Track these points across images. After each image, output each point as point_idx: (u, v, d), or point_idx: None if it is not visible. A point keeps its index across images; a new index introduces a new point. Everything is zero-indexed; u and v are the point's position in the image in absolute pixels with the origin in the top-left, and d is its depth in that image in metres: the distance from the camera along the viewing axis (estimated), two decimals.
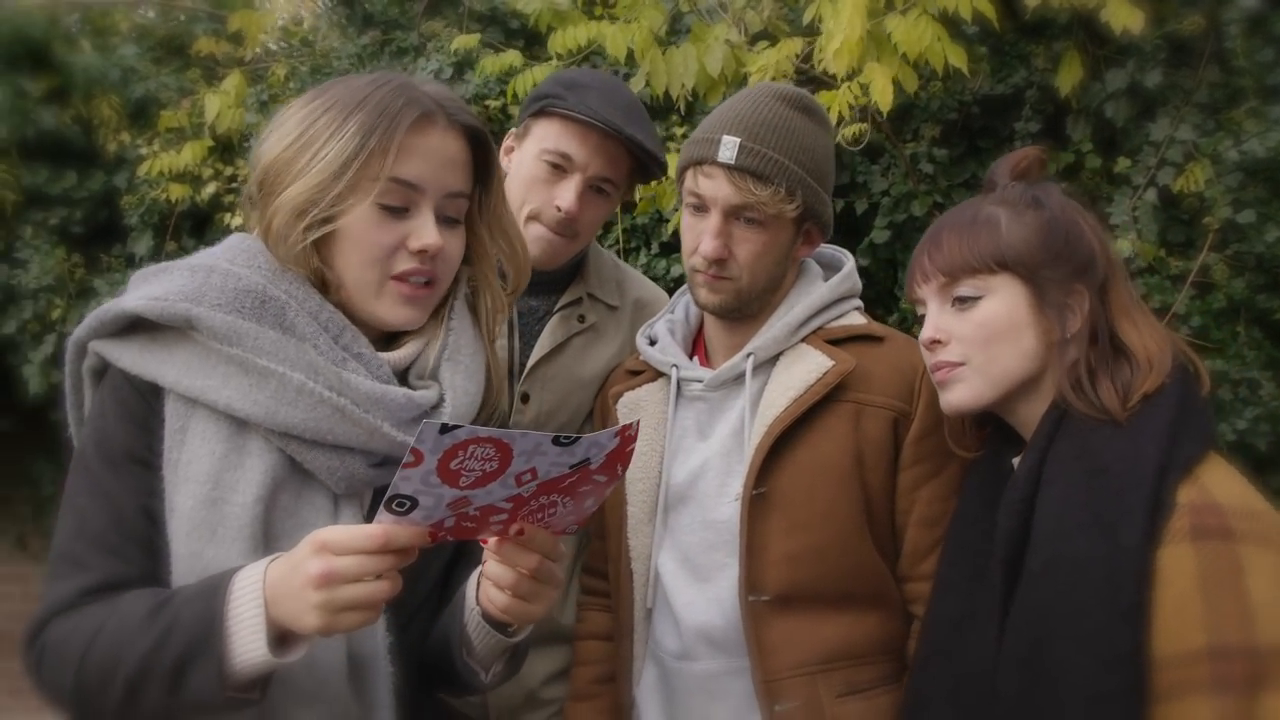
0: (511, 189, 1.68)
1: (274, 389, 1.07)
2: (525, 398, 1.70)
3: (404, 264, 1.14)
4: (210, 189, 3.74)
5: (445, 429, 0.86)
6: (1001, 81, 3.06)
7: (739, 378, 1.46)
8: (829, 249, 1.61)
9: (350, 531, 0.95)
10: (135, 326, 1.09)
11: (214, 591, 0.99)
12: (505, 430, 0.90)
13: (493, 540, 1.03)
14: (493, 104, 3.31)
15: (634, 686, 1.55)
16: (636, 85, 2.81)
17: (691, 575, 1.47)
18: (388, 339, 1.21)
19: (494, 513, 0.96)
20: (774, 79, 2.57)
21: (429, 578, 1.22)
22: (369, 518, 1.10)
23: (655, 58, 2.72)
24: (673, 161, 1.72)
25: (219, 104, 3.56)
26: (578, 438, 0.93)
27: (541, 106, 1.63)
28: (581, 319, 1.74)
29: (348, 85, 1.15)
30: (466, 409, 1.20)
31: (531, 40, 3.71)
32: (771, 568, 1.40)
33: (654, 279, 2.63)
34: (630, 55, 2.83)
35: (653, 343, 1.59)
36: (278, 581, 0.97)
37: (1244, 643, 1.00)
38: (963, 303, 1.21)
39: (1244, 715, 0.99)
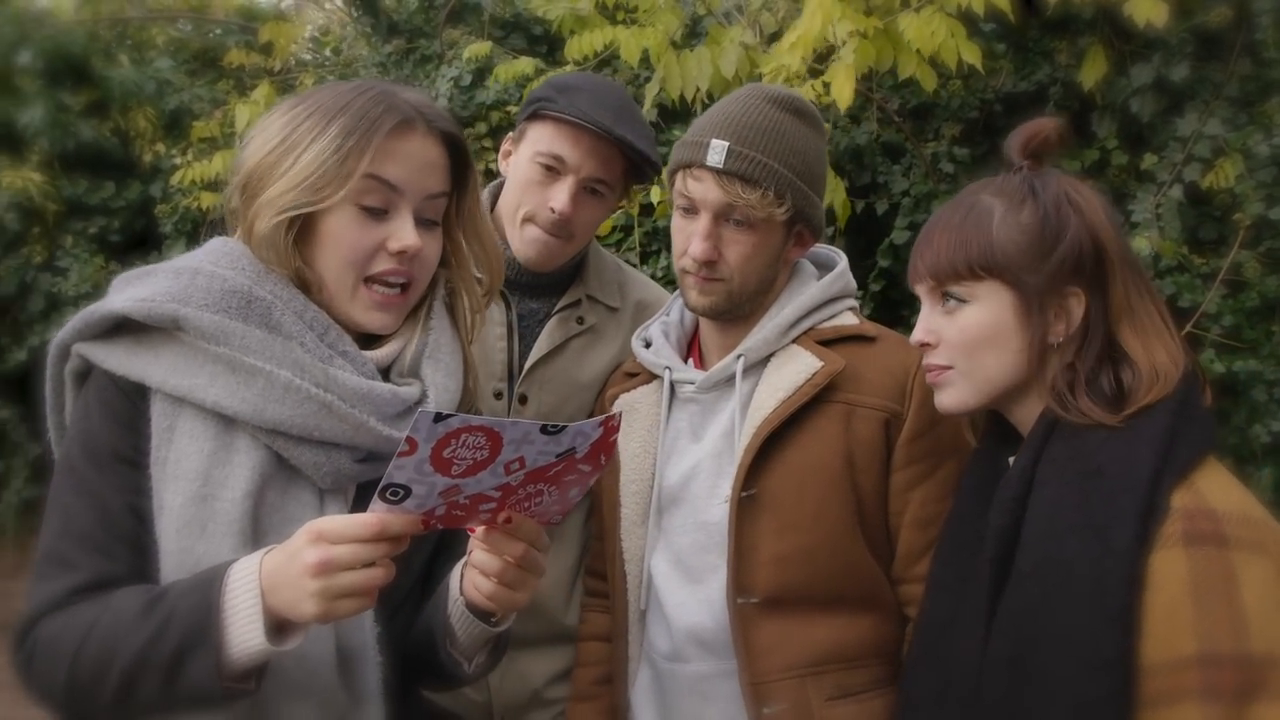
0: (508, 192, 1.69)
1: (261, 386, 1.07)
2: (524, 399, 1.70)
3: (382, 264, 1.16)
4: None
5: (439, 418, 0.88)
6: (1025, 79, 3.01)
7: (730, 379, 1.46)
8: (823, 249, 1.59)
9: (346, 520, 0.95)
10: (120, 328, 1.11)
11: (210, 584, 1.00)
12: (496, 419, 0.92)
13: (480, 529, 1.05)
14: (513, 109, 3.34)
15: (629, 688, 1.54)
16: (652, 90, 2.82)
17: (683, 577, 1.47)
18: (370, 338, 1.23)
19: (483, 501, 0.99)
20: (786, 80, 2.56)
21: (412, 572, 1.23)
22: (355, 512, 1.12)
23: (670, 62, 2.73)
24: None
25: (249, 114, 3.64)
26: (564, 426, 0.95)
27: (534, 110, 1.64)
28: (580, 321, 1.74)
29: (330, 92, 1.17)
30: (447, 405, 1.21)
31: (554, 46, 3.74)
32: (761, 569, 1.39)
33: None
34: (646, 59, 2.84)
35: (648, 345, 1.59)
36: (274, 571, 0.98)
37: (1235, 651, 0.97)
38: (950, 305, 1.19)
39: None
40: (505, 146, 1.71)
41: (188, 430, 1.08)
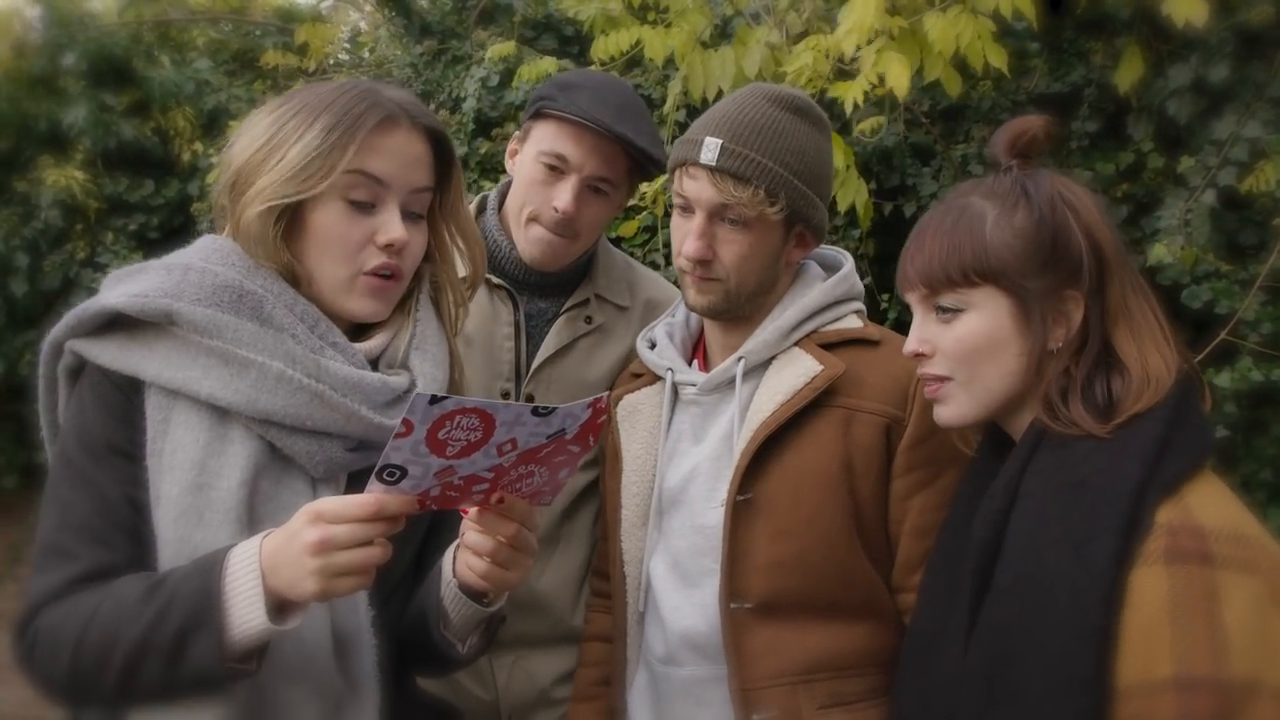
0: (514, 191, 1.69)
1: (254, 378, 1.10)
2: (530, 399, 1.70)
3: (373, 260, 1.18)
4: None
5: (435, 400, 0.91)
6: (1059, 80, 2.94)
7: (731, 382, 1.44)
8: (830, 250, 1.57)
9: (344, 501, 0.99)
10: (112, 324, 1.13)
11: (210, 567, 1.03)
12: (489, 401, 0.95)
13: (474, 510, 1.07)
14: None
15: (627, 690, 1.54)
16: (674, 89, 2.81)
17: (680, 580, 1.46)
18: (357, 331, 1.25)
19: (476, 482, 1.01)
20: (810, 79, 2.53)
21: (404, 556, 1.25)
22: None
23: (694, 61, 2.71)
24: None
25: None
26: (554, 408, 0.97)
27: (537, 109, 1.64)
28: (589, 320, 1.73)
29: (315, 91, 1.20)
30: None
31: (585, 47, 3.73)
32: (754, 575, 1.37)
33: None
34: (673, 60, 2.82)
35: (653, 346, 1.58)
36: (274, 551, 1.00)
37: (1212, 674, 0.93)
38: (945, 313, 1.15)
39: None
40: (512, 145, 1.71)
41: (182, 422, 1.11)
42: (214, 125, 4.31)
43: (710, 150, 1.36)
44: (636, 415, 1.55)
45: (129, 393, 1.12)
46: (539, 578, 1.71)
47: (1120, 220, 2.95)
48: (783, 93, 1.45)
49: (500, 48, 3.25)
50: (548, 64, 3.03)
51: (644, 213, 3.05)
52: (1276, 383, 2.56)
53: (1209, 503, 1.01)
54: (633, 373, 1.63)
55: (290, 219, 1.16)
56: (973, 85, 2.90)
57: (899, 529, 1.38)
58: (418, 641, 1.23)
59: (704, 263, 1.41)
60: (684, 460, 1.48)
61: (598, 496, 1.70)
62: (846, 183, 2.71)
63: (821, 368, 1.38)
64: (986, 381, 1.14)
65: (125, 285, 1.14)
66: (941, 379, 1.17)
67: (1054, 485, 1.04)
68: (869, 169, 3.14)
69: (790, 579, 1.36)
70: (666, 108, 2.87)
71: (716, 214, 1.40)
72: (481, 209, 1.77)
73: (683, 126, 3.30)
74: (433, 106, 3.88)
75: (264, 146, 1.15)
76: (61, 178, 4.19)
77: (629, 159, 1.62)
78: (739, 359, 1.44)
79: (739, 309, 1.45)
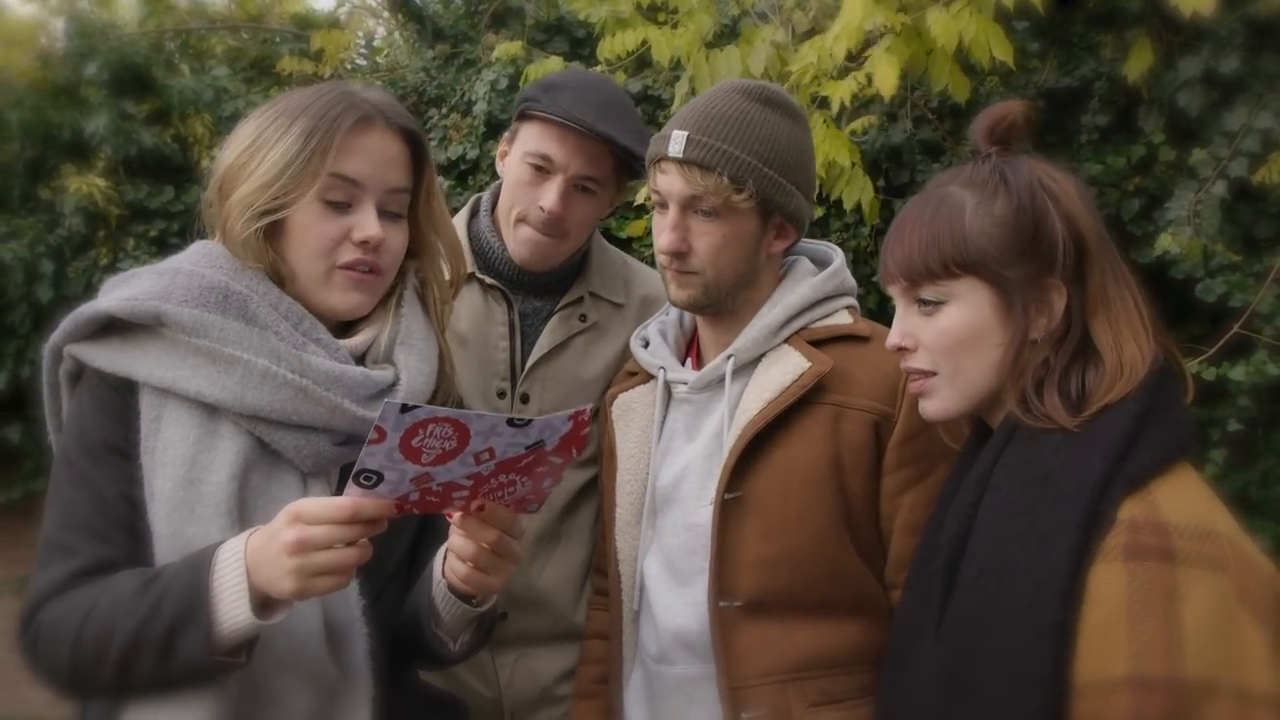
0: (504, 193, 1.71)
1: (240, 375, 1.13)
2: (525, 398, 1.71)
3: (348, 255, 1.21)
4: None
5: (405, 409, 0.92)
6: (1068, 74, 2.91)
7: (722, 380, 1.44)
8: (822, 246, 1.57)
9: (322, 503, 1.01)
10: (107, 329, 1.17)
11: (200, 564, 1.05)
12: (462, 411, 0.96)
13: (456, 515, 1.09)
14: None
15: (623, 688, 1.54)
16: (681, 89, 2.81)
17: (673, 579, 1.46)
18: (342, 329, 1.28)
19: (456, 489, 1.02)
20: (815, 77, 2.53)
21: (397, 552, 1.28)
22: (338, 493, 1.18)
23: (699, 61, 2.72)
24: None
25: None
26: (531, 420, 0.98)
27: (522, 110, 1.66)
28: (583, 318, 1.74)
29: (295, 96, 1.23)
30: (421, 387, 1.27)
31: (597, 49, 3.76)
32: (743, 573, 1.37)
33: None
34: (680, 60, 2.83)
35: (646, 344, 1.59)
36: (257, 550, 1.03)
37: (1167, 674, 0.91)
38: (926, 306, 1.14)
39: None
40: (502, 147, 1.73)
41: (173, 419, 1.14)
42: (232, 131, 4.37)
43: (677, 143, 1.38)
44: (630, 414, 1.56)
45: (124, 393, 1.16)
46: (540, 575, 1.72)
47: (1133, 214, 2.92)
48: (753, 85, 1.45)
49: (506, 48, 3.27)
50: (554, 64, 3.04)
51: (651, 212, 3.05)
52: None
53: (1177, 498, 0.98)
54: (628, 371, 1.64)
55: (266, 215, 1.19)
56: (980, 81, 2.88)
57: (890, 526, 1.38)
58: (412, 638, 1.26)
59: (680, 255, 1.42)
60: (676, 459, 1.49)
61: (598, 493, 1.71)
62: (852, 180, 2.71)
63: (809, 365, 1.38)
64: (970, 374, 1.13)
65: (119, 290, 1.18)
66: (926, 373, 1.16)
67: (1020, 479, 1.03)
68: (878, 166, 3.12)
69: (779, 577, 1.36)
70: (674, 107, 2.88)
71: (688, 206, 1.41)
72: (475, 211, 1.79)
73: None
74: (446, 110, 3.91)
75: (246, 150, 1.19)
76: (84, 185, 4.27)
77: (614, 157, 1.63)
78: (728, 357, 1.44)
79: (721, 303, 1.45)
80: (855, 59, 2.47)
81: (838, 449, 1.36)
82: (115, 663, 1.06)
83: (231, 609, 1.03)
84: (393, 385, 1.24)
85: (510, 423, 0.96)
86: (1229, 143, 2.52)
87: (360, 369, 1.22)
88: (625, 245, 3.31)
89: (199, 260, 1.19)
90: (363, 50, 4.75)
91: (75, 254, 4.51)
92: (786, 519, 1.35)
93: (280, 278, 1.21)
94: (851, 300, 1.51)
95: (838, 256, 1.52)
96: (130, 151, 4.33)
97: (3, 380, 4.38)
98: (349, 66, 4.31)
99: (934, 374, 1.15)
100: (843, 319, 1.46)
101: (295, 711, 1.13)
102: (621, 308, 1.78)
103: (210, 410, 1.15)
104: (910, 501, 1.36)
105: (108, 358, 1.16)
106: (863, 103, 2.60)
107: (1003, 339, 1.11)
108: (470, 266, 1.71)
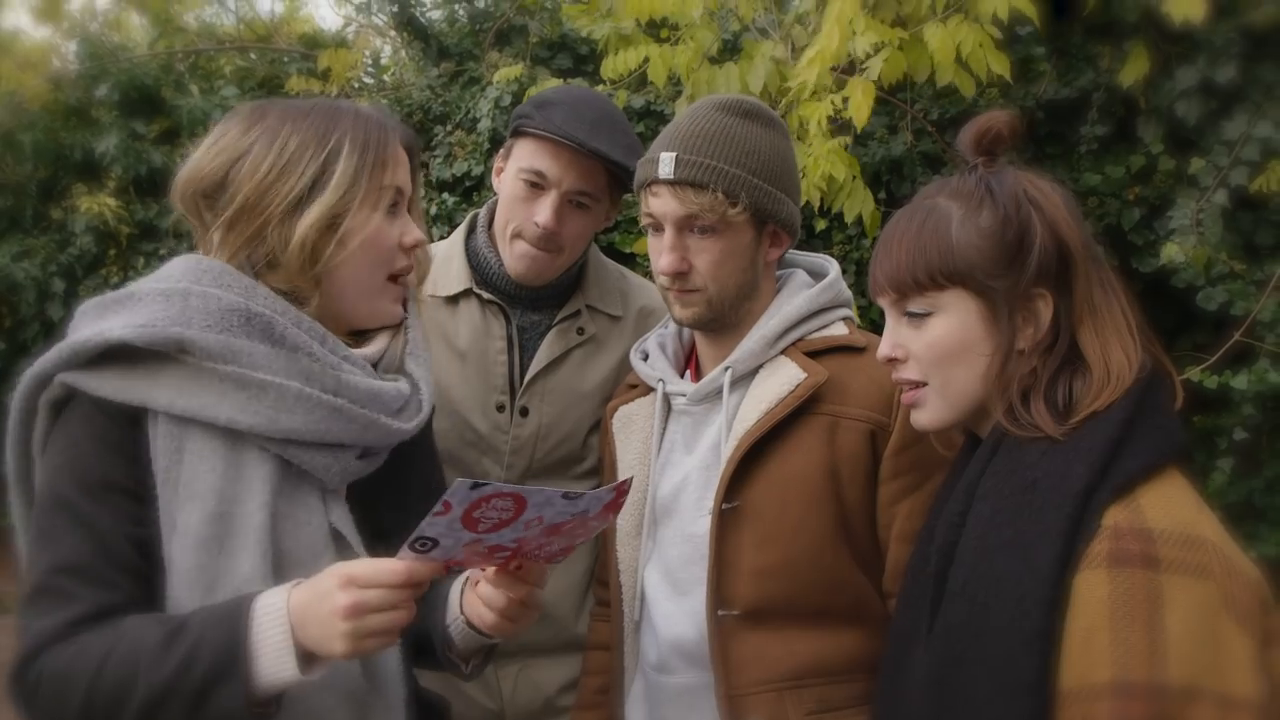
0: (499, 209, 1.72)
1: (273, 399, 1.10)
2: (525, 411, 1.72)
3: (401, 262, 1.24)
4: None
5: (475, 485, 0.95)
6: (1067, 84, 2.94)
7: (719, 391, 1.46)
8: (818, 258, 1.58)
9: (376, 567, 1.01)
10: (106, 356, 1.09)
11: (235, 617, 1.03)
12: (524, 486, 0.99)
13: (491, 569, 1.12)
14: None
15: (624, 698, 1.55)
16: (680, 106, 2.84)
17: (672, 589, 1.47)
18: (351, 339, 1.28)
19: (499, 550, 1.06)
20: (814, 92, 2.56)
21: None
22: (353, 508, 1.20)
23: (698, 79, 2.75)
24: None
25: None
26: (583, 493, 1.03)
27: (516, 126, 1.67)
28: (581, 331, 1.75)
29: (291, 113, 1.19)
30: (431, 398, 1.28)
31: (600, 66, 3.80)
32: (741, 582, 1.38)
33: None
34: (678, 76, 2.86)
35: (646, 357, 1.60)
36: (303, 607, 1.02)
37: (1149, 681, 0.90)
38: (914, 318, 1.14)
39: None
40: (497, 164, 1.74)
41: (196, 450, 1.11)
42: None
43: (666, 165, 1.39)
44: (630, 426, 1.57)
45: (125, 425, 1.10)
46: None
47: (1133, 223, 2.94)
48: (731, 100, 1.47)
49: (507, 70, 3.31)
50: (555, 84, 3.08)
51: None
52: None
53: (1162, 504, 0.98)
54: (629, 384, 1.65)
55: (335, 231, 1.18)
56: (980, 93, 2.91)
57: (887, 534, 1.38)
58: (422, 654, 1.27)
59: (681, 275, 1.43)
60: (675, 470, 1.50)
61: None
62: (853, 193, 2.73)
63: (805, 375, 1.39)
64: (959, 384, 1.13)
65: (121, 316, 1.12)
66: (917, 384, 1.16)
67: (1007, 488, 1.03)
68: (879, 178, 3.15)
69: (777, 586, 1.37)
70: None
71: (684, 225, 1.42)
72: (472, 227, 1.80)
73: None
74: (451, 126, 3.96)
75: (272, 168, 1.14)
76: (95, 205, 4.33)
77: (608, 172, 1.64)
78: (725, 369, 1.46)
79: (724, 316, 1.46)
80: (851, 72, 2.49)
81: (834, 459, 1.37)
82: (136, 712, 1.03)
83: (274, 665, 1.02)
84: (412, 396, 1.25)
85: (565, 496, 1.01)
86: (1228, 151, 2.54)
87: (392, 384, 1.22)
88: (630, 261, 3.33)
89: (201, 279, 1.14)
90: (369, 69, 4.81)
91: (87, 272, 4.57)
92: (784, 528, 1.36)
93: (298, 295, 1.18)
94: (847, 311, 1.52)
95: (833, 268, 1.54)
96: (140, 171, 4.39)
97: None
98: (356, 85, 4.36)
99: (924, 384, 1.15)
100: (839, 330, 1.47)
101: None
102: (619, 320, 1.79)
103: (235, 437, 1.11)
104: (906, 510, 1.37)
105: (114, 386, 1.10)
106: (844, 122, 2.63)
107: (990, 349, 1.11)
108: (468, 282, 1.73)
